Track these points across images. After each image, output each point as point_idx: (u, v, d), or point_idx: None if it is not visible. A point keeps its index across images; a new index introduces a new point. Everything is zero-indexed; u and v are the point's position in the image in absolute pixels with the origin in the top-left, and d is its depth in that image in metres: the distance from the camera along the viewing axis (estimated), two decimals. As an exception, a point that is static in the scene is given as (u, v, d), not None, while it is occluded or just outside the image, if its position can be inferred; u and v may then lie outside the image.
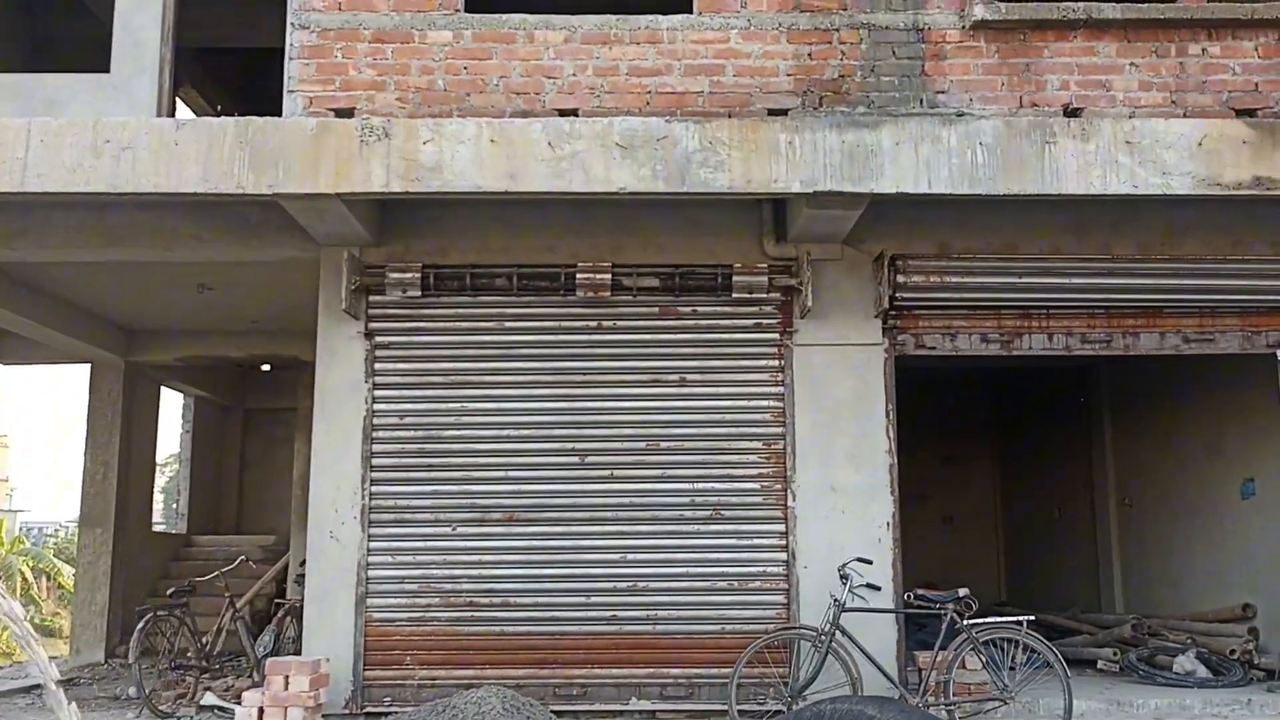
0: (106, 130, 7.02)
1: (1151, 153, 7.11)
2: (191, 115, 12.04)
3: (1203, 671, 8.48)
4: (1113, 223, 7.96)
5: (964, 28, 7.65)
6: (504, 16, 7.69)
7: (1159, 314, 8.07)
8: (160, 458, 16.80)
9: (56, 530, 57.53)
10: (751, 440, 7.91)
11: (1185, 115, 7.53)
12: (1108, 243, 8.01)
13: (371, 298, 7.95)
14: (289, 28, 7.61)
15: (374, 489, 7.79)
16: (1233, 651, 8.66)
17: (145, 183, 7.01)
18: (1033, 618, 7.38)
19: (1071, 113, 7.51)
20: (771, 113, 7.52)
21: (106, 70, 7.81)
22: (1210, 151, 7.11)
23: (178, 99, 11.71)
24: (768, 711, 7.40)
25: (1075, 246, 7.99)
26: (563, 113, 7.52)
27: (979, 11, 7.58)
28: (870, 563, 7.40)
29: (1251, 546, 9.08)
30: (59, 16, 10.82)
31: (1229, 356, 8.25)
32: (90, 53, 8.67)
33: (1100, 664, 9.16)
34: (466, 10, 7.72)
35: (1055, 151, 7.12)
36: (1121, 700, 7.75)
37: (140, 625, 8.42)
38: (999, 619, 7.30)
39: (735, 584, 7.73)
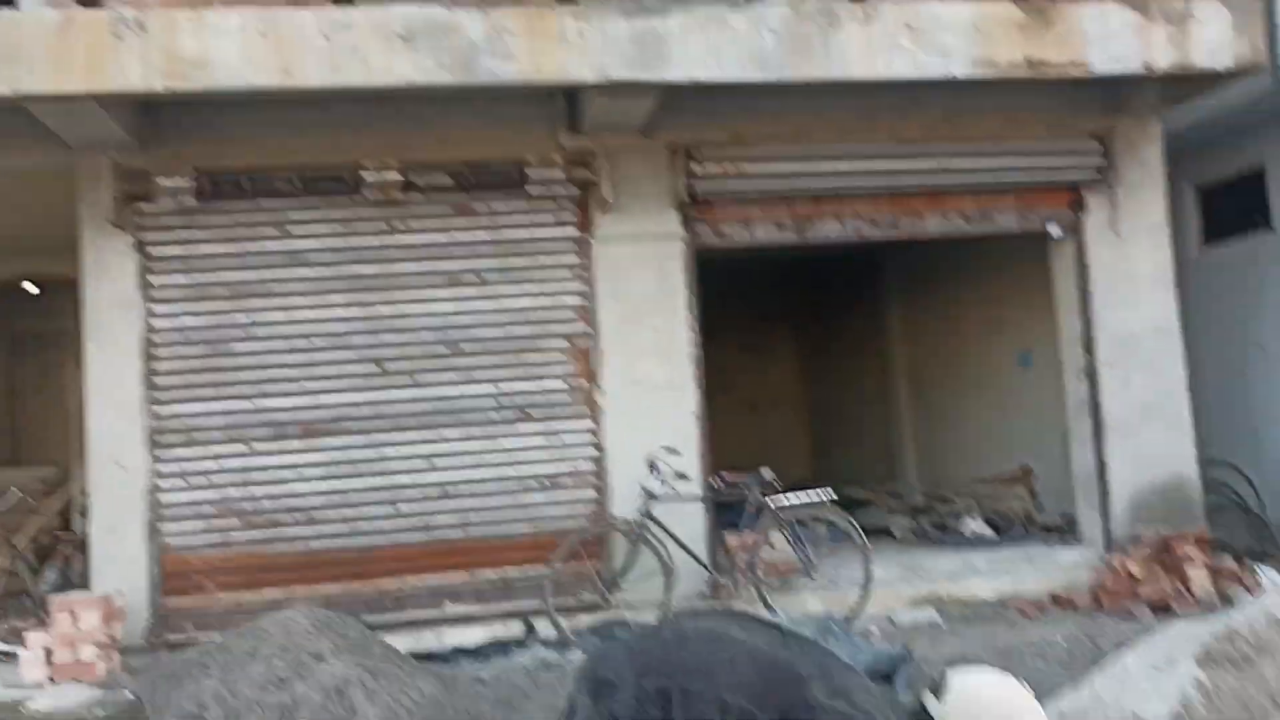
0: None
1: (932, 35, 7.25)
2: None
3: (989, 532, 9.06)
4: (900, 108, 8.10)
5: (749, -91, 7.54)
6: (266, -105, 7.11)
7: (942, 196, 8.34)
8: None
9: None
10: (556, 338, 7.82)
11: (963, -1, 7.69)
12: (895, 128, 8.18)
13: (142, 207, 7.39)
14: (18, -94, 6.82)
15: (158, 409, 7.33)
16: (1014, 511, 9.29)
17: None
18: (833, 494, 7.66)
19: (856, -3, 7.55)
20: (561, 0, 7.27)
21: None
22: (985, 33, 7.31)
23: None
24: (585, 604, 7.48)
25: (865, 132, 8.13)
26: (338, 1, 7.06)
27: (762, -107, 7.48)
28: (678, 453, 7.50)
29: (1028, 412, 9.69)
30: None
31: (1007, 235, 8.63)
32: None
33: (897, 533, 9.66)
34: (223, -112, 7.10)
35: (840, 36, 7.17)
36: (916, 565, 8.20)
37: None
38: (800, 496, 7.54)
39: (547, 483, 7.71)
